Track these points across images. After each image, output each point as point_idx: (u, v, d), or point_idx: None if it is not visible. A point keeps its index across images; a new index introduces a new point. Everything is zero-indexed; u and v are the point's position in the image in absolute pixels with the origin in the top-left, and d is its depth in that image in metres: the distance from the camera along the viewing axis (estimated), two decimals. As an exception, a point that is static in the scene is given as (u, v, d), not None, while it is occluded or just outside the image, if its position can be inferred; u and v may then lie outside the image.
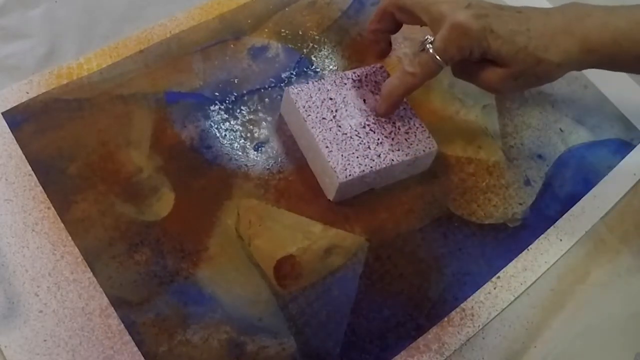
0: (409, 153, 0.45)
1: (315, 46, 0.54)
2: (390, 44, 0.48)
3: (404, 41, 0.55)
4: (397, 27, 0.46)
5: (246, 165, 0.47)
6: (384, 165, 0.44)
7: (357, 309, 0.43)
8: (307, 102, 0.46)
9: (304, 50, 0.54)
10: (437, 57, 0.40)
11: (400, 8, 0.43)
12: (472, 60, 0.41)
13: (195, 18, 0.53)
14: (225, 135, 0.48)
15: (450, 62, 0.41)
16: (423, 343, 0.42)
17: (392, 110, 0.46)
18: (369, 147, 0.44)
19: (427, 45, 0.40)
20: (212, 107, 0.49)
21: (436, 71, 0.41)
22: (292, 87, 0.46)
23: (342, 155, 0.44)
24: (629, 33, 0.40)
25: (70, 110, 0.47)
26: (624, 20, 0.40)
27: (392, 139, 0.45)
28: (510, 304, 0.45)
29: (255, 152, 0.48)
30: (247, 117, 0.49)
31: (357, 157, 0.44)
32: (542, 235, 0.48)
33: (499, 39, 0.39)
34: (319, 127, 0.45)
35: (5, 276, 0.40)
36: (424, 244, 0.46)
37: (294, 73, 0.52)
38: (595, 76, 0.57)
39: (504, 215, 0.49)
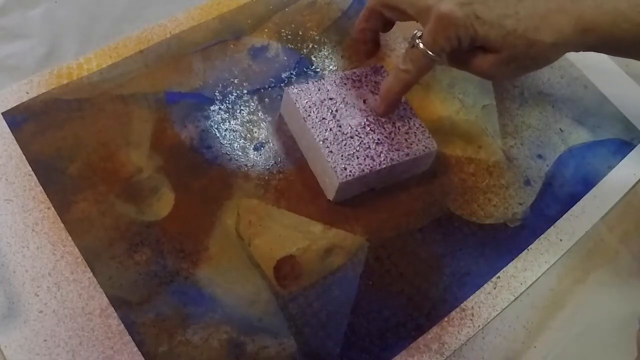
0: (409, 153, 0.45)
1: (315, 46, 0.54)
2: (378, 43, 0.47)
3: (404, 41, 0.55)
4: (386, 25, 0.46)
5: (246, 165, 0.47)
6: (384, 165, 0.44)
7: (357, 309, 0.43)
8: (307, 102, 0.46)
9: (304, 50, 0.54)
10: (428, 51, 0.40)
11: (386, 5, 0.43)
12: (463, 49, 0.40)
13: (195, 18, 0.53)
14: (225, 135, 0.48)
15: (441, 54, 0.40)
16: (423, 343, 0.42)
17: (391, 109, 0.46)
18: (369, 147, 0.44)
19: (417, 41, 0.40)
20: (212, 107, 0.49)
21: (429, 65, 0.41)
22: (292, 87, 0.46)
23: (342, 155, 0.44)
24: (629, 14, 0.39)
25: (70, 110, 0.47)
26: (623, 2, 0.39)
27: (392, 139, 0.45)
28: (510, 304, 0.45)
29: (255, 152, 0.48)
30: (247, 117, 0.49)
31: (357, 157, 0.44)
32: (542, 235, 0.48)
33: (485, 24, 0.39)
34: (319, 127, 0.45)
35: (5, 276, 0.40)
36: (424, 244, 0.46)
37: (294, 73, 0.52)
38: (595, 76, 0.57)
39: (504, 215, 0.49)
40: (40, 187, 0.43)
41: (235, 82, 0.51)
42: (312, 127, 0.45)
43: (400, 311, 0.43)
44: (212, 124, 0.48)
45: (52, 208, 0.42)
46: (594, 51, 0.42)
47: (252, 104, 0.50)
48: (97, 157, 0.45)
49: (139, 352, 0.39)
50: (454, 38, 0.39)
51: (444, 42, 0.39)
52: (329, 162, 0.43)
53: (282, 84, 0.51)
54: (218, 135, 0.48)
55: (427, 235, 0.47)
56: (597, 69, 0.58)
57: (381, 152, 0.44)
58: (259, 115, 0.50)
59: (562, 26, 0.39)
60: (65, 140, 0.46)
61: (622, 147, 0.54)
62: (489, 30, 0.39)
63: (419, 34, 0.40)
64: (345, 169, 0.43)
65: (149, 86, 0.49)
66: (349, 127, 0.45)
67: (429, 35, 0.39)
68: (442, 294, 0.44)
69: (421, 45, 0.40)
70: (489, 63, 0.41)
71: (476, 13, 0.39)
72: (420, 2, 0.40)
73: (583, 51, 0.42)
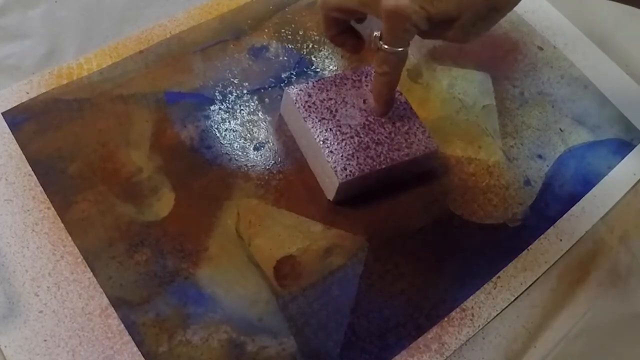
0: (409, 153, 0.45)
1: (315, 46, 0.54)
2: (358, 36, 0.45)
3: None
4: (356, 19, 0.44)
5: (246, 165, 0.47)
6: (384, 165, 0.44)
7: (357, 309, 0.43)
8: (307, 102, 0.46)
9: (304, 50, 0.54)
10: (392, 48, 0.39)
11: (337, 9, 0.41)
12: (426, 29, 0.39)
13: (195, 18, 0.53)
14: (225, 135, 0.48)
15: (407, 45, 0.40)
16: (423, 343, 0.42)
17: (388, 109, 0.45)
18: (368, 147, 0.44)
19: (379, 42, 0.40)
20: (212, 107, 0.49)
21: (401, 59, 0.40)
22: (292, 87, 0.46)
23: (342, 155, 0.44)
24: None
25: (70, 110, 0.47)
26: None
27: (392, 139, 0.45)
28: (510, 304, 0.45)
29: (255, 152, 0.48)
30: (247, 117, 0.49)
31: (357, 157, 0.44)
32: (542, 235, 0.48)
33: (434, 0, 0.37)
34: (319, 127, 0.45)
35: (5, 276, 0.40)
36: (424, 244, 0.46)
37: (294, 73, 0.52)
38: (595, 76, 0.57)
39: (504, 215, 0.49)
40: (40, 187, 0.43)
41: (235, 82, 0.51)
42: (312, 127, 0.45)
43: (400, 311, 0.43)
44: (212, 124, 0.48)
45: (52, 208, 0.42)
46: None
47: (252, 104, 0.50)
48: (97, 157, 0.45)
49: (139, 352, 0.39)
50: (411, 27, 0.38)
51: (403, 35, 0.39)
52: (329, 162, 0.43)
53: (282, 84, 0.51)
54: (218, 135, 0.48)
55: (427, 235, 0.47)
56: (597, 69, 0.58)
57: (381, 152, 0.44)
58: (259, 115, 0.50)
59: None
60: (65, 140, 0.46)
61: (622, 147, 0.54)
62: (440, 4, 0.38)
63: (377, 34, 0.40)
64: (345, 169, 0.43)
65: (149, 86, 0.49)
66: (349, 127, 0.45)
67: (387, 34, 0.39)
68: (442, 294, 0.44)
69: (385, 46, 0.39)
70: (456, 31, 0.39)
71: None
72: None
73: None
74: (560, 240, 0.48)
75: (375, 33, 0.40)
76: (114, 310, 0.40)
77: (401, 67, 0.41)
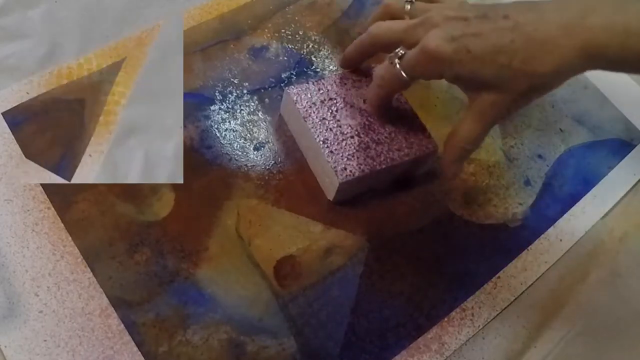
0: (409, 153, 0.45)
1: (315, 46, 0.54)
2: (362, 68, 0.47)
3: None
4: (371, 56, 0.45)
5: (246, 165, 0.47)
6: (384, 165, 0.44)
7: (357, 309, 0.43)
8: (307, 102, 0.46)
9: (304, 50, 0.54)
10: (403, 73, 0.38)
11: (382, 43, 0.40)
12: (446, 79, 0.38)
13: (195, 18, 0.53)
14: (225, 135, 0.48)
15: (415, 81, 0.39)
16: (423, 343, 0.42)
17: (382, 114, 0.45)
18: (368, 147, 0.44)
19: (396, 60, 0.39)
20: (212, 107, 0.49)
21: (403, 85, 0.40)
22: (292, 87, 0.46)
23: (342, 155, 0.44)
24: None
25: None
26: (634, 15, 0.33)
27: (392, 139, 0.45)
28: (510, 304, 0.45)
29: (255, 152, 0.48)
30: (247, 117, 0.49)
31: (357, 157, 0.44)
32: (542, 235, 0.48)
33: (476, 60, 0.35)
34: (319, 127, 0.45)
35: (5, 276, 0.40)
36: (424, 244, 0.46)
37: (294, 73, 0.52)
38: (596, 76, 0.57)
39: (504, 215, 0.49)
40: (40, 187, 0.43)
41: (235, 82, 0.51)
42: (312, 127, 0.45)
43: (400, 311, 0.43)
44: (212, 124, 0.48)
45: (52, 208, 0.42)
46: (602, 69, 0.36)
47: (252, 104, 0.50)
48: (97, 157, 0.45)
49: (139, 352, 0.39)
50: (436, 72, 0.37)
51: (423, 72, 0.38)
52: (329, 162, 0.43)
53: (282, 84, 0.51)
54: (218, 135, 0.48)
55: (427, 235, 0.47)
56: (597, 69, 0.58)
57: (381, 152, 0.44)
58: (259, 115, 0.50)
59: (564, 53, 0.34)
60: (65, 140, 0.46)
61: (622, 147, 0.54)
62: (481, 66, 0.35)
63: (401, 52, 0.39)
64: (345, 169, 0.43)
65: (149, 86, 0.49)
66: (349, 127, 0.45)
67: (410, 62, 0.38)
68: (442, 294, 0.44)
69: (398, 66, 0.39)
70: (489, 104, 0.37)
71: (468, 47, 0.35)
72: (408, 32, 0.38)
73: (591, 70, 0.37)
74: (560, 240, 0.48)
75: (400, 51, 0.39)
76: (114, 310, 0.40)
77: (397, 90, 0.42)
